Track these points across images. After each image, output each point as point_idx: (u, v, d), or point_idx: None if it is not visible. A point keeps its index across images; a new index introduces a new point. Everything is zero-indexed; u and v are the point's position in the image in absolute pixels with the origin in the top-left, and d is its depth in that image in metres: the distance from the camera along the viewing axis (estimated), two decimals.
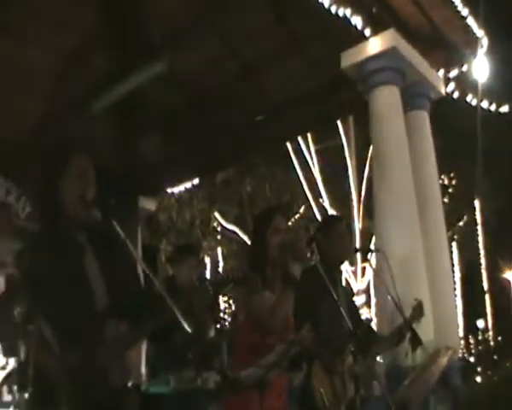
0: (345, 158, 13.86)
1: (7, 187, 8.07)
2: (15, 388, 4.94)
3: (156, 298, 2.61)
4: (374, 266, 5.11)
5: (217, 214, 16.28)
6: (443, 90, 6.86)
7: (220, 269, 17.51)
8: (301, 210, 15.89)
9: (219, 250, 17.56)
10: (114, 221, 2.56)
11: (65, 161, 2.73)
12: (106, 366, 2.57)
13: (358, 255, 13.32)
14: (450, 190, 14.21)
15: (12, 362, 5.45)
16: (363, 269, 13.78)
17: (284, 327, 3.24)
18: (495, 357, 12.66)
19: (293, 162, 14.77)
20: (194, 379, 3.98)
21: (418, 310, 4.20)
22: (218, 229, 16.86)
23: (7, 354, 5.46)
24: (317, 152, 14.38)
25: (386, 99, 6.01)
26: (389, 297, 4.14)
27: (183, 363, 4.19)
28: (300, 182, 14.88)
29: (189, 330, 2.44)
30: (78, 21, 7.38)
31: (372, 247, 7.96)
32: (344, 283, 7.11)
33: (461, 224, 15.55)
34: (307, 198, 15.01)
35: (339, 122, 12.88)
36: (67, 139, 8.00)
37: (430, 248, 5.87)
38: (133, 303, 2.70)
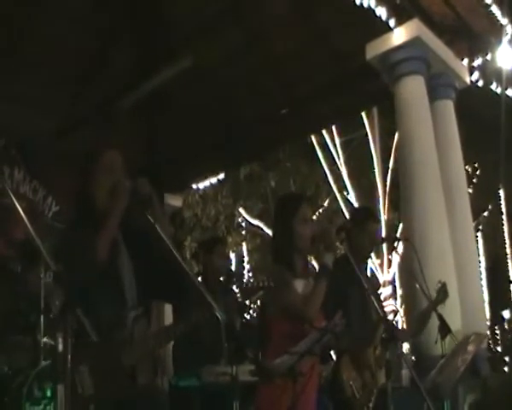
0: (369, 150, 13.76)
1: (34, 186, 8.16)
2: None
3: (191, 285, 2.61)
4: (400, 255, 5.09)
5: (241, 210, 16.24)
6: (467, 80, 6.78)
7: (245, 264, 17.46)
8: (325, 203, 15.82)
9: (244, 246, 17.50)
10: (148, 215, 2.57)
11: (94, 157, 2.78)
12: (133, 363, 2.59)
13: (384, 247, 13.25)
14: (474, 181, 14.05)
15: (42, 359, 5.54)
16: (389, 261, 13.68)
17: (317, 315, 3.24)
18: None
19: (317, 155, 14.69)
20: (225, 373, 3.98)
21: (442, 292, 4.17)
22: (243, 224, 16.81)
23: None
24: (341, 144, 14.30)
25: (412, 89, 5.96)
26: (417, 285, 4.12)
27: (214, 356, 4.20)
28: (325, 175, 14.80)
29: (223, 319, 2.47)
30: (100, 21, 7.44)
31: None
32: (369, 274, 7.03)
33: (485, 214, 15.33)
34: (331, 191, 14.94)
35: (363, 114, 12.78)
36: (96, 139, 8.11)
37: (457, 237, 5.81)
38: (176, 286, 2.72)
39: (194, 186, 10.45)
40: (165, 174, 9.05)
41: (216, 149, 8.68)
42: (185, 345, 4.52)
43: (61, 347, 1.96)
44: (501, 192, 15.43)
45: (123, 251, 2.73)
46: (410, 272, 4.43)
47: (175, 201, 9.58)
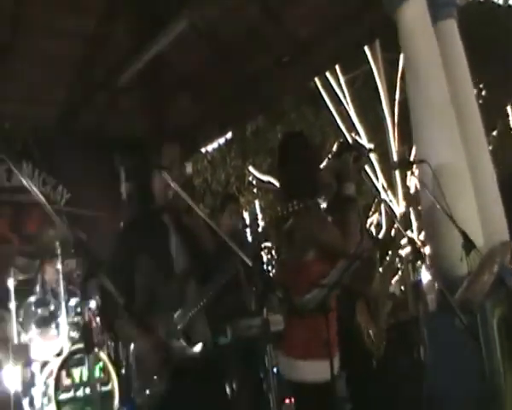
0: (375, 84, 13.46)
1: (43, 179, 8.13)
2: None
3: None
4: (416, 181, 4.97)
5: (251, 168, 16.05)
6: None
7: (260, 221, 17.28)
8: (334, 148, 15.50)
9: (257, 203, 17.31)
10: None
11: (156, 152, 3.01)
12: (187, 327, 2.75)
13: (398, 179, 13.08)
14: (480, 102, 13.68)
15: (67, 348, 5.59)
16: (404, 193, 13.50)
17: None
18: None
19: (322, 100, 14.38)
20: (251, 327, 3.93)
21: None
22: (254, 183, 16.64)
23: None
24: (346, 82, 13.97)
25: (414, 12, 5.65)
26: (438, 206, 4.01)
27: (239, 313, 4.12)
28: (332, 116, 14.52)
29: (250, 263, 2.49)
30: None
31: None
32: None
33: (494, 133, 14.97)
34: (339, 134, 14.65)
35: (366, 48, 12.44)
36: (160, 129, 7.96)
37: (472, 155, 5.63)
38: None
39: (202, 150, 10.32)
40: (175, 141, 8.85)
41: (222, 108, 8.49)
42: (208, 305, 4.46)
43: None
44: (508, 109, 15.10)
45: (171, 233, 2.94)
46: (429, 194, 4.30)
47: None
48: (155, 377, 2.70)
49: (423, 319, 3.71)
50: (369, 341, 3.56)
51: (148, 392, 2.70)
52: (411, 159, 7.75)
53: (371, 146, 6.75)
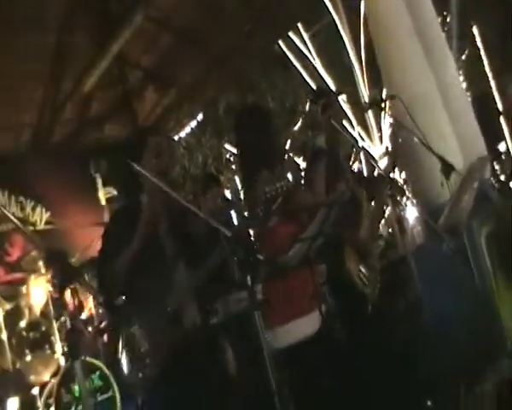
0: (338, 35, 13.30)
1: (21, 203, 8.07)
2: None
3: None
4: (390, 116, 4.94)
5: (227, 145, 15.94)
6: None
7: (242, 196, 17.11)
8: (307, 106, 15.35)
9: (237, 179, 17.16)
10: None
11: (143, 143, 2.99)
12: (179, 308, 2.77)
13: (372, 119, 13.03)
14: (445, 29, 13.52)
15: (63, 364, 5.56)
16: (380, 137, 13.44)
17: None
18: None
19: (289, 59, 14.21)
20: (241, 299, 3.90)
21: None
22: (231, 159, 16.53)
23: None
24: (310, 38, 13.79)
25: None
26: (414, 138, 3.99)
27: (228, 288, 4.08)
28: (301, 76, 14.36)
29: (228, 234, 2.46)
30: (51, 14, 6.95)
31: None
32: None
33: (463, 57, 14.85)
34: (310, 89, 14.50)
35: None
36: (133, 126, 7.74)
37: (442, 82, 5.58)
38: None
39: (176, 138, 10.26)
40: (149, 133, 8.75)
41: (192, 92, 8.39)
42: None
43: None
44: (474, 30, 14.97)
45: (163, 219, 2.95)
46: (403, 128, 4.27)
47: None
48: (148, 360, 2.67)
49: (411, 253, 3.70)
50: (362, 285, 3.51)
51: (140, 375, 2.68)
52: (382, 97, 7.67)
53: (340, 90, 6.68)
